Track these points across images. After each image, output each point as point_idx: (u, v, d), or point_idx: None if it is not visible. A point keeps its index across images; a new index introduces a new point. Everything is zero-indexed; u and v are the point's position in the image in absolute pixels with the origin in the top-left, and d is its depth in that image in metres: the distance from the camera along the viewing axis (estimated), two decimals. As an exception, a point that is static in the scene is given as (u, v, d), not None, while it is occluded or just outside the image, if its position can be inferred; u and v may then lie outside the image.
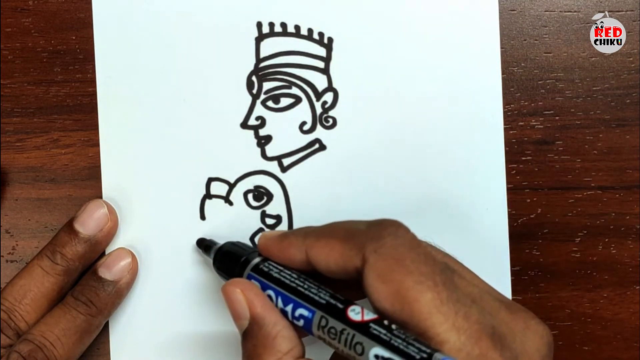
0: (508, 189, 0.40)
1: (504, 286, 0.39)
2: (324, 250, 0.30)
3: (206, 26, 0.39)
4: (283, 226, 0.39)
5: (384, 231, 0.29)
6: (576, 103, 0.40)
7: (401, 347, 0.26)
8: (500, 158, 0.39)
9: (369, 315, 0.28)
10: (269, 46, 0.39)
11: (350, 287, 0.31)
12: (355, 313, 0.28)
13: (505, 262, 0.39)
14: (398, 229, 0.30)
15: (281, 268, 0.32)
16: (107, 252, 0.38)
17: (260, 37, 0.39)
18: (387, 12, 0.39)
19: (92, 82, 0.39)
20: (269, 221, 0.39)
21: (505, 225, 0.39)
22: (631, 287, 0.40)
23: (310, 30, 0.39)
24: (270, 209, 0.39)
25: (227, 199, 0.39)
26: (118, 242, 0.39)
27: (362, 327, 0.28)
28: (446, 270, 0.29)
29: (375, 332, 0.27)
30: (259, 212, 0.39)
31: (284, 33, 0.39)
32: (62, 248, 0.36)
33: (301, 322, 0.30)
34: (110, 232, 0.38)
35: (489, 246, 0.39)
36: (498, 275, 0.39)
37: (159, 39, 0.39)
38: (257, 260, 0.33)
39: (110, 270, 0.37)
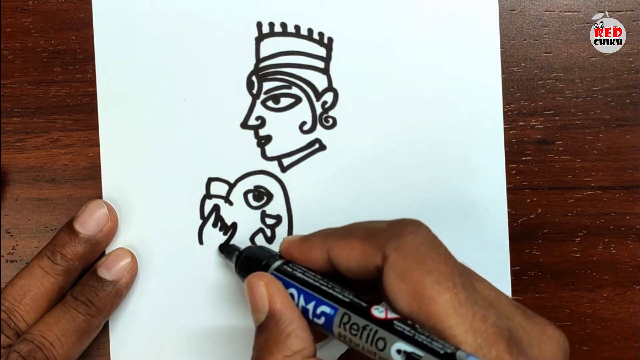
0: (508, 189, 0.39)
1: (504, 286, 0.39)
2: (344, 249, 0.30)
3: (206, 26, 0.39)
4: (283, 226, 0.39)
5: (405, 230, 0.29)
6: (576, 103, 0.40)
7: (424, 342, 0.26)
8: (500, 158, 0.39)
9: (393, 315, 0.28)
10: (269, 46, 0.39)
11: (371, 292, 0.31)
12: (379, 311, 0.28)
13: (505, 262, 0.39)
14: (419, 228, 0.30)
15: (305, 269, 0.32)
16: (107, 252, 0.38)
17: (260, 37, 0.39)
18: (387, 12, 0.39)
19: (92, 82, 0.39)
20: (269, 221, 0.39)
21: (505, 225, 0.39)
22: (631, 287, 0.40)
23: (310, 30, 0.39)
24: (270, 209, 0.39)
25: (227, 199, 0.39)
26: (118, 242, 0.39)
27: (385, 324, 0.28)
28: (465, 273, 0.29)
29: (398, 328, 0.27)
30: (259, 212, 0.39)
31: (284, 33, 0.39)
32: (62, 248, 0.36)
33: (322, 320, 0.30)
34: (110, 232, 0.38)
35: (489, 246, 0.39)
36: (498, 275, 0.39)
37: (159, 39, 0.39)
38: (279, 262, 0.33)
39: (109, 271, 0.37)
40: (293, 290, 0.31)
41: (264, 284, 0.31)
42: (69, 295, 0.36)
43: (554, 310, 0.40)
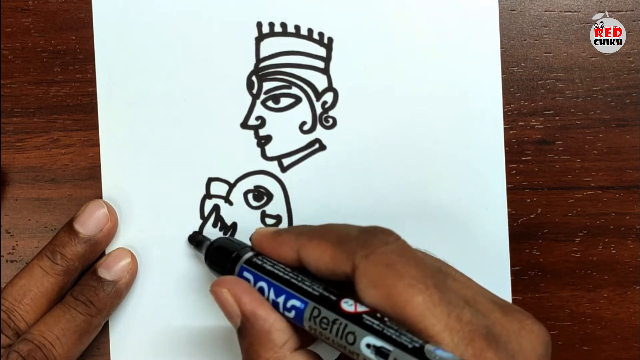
0: (508, 189, 0.39)
1: (504, 286, 0.39)
2: (315, 251, 0.30)
3: (206, 26, 0.39)
4: (283, 226, 0.39)
5: (375, 238, 0.29)
6: (576, 103, 0.40)
7: (393, 336, 0.27)
8: (500, 158, 0.39)
9: (362, 308, 0.28)
10: (269, 46, 0.39)
11: (341, 288, 0.31)
12: (349, 305, 0.29)
13: (505, 262, 0.39)
14: (389, 236, 0.30)
15: (275, 262, 0.32)
16: (107, 252, 0.38)
17: (260, 37, 0.39)
18: (387, 12, 0.39)
19: (92, 82, 0.39)
20: (269, 221, 0.39)
21: (505, 225, 0.39)
22: (631, 287, 0.40)
23: (310, 30, 0.39)
24: (270, 209, 0.39)
25: (227, 199, 0.39)
26: (118, 242, 0.39)
27: (354, 318, 0.28)
28: (438, 273, 0.29)
29: (367, 322, 0.28)
30: (259, 212, 0.39)
31: (284, 33, 0.39)
32: (62, 248, 0.36)
33: (292, 314, 0.30)
34: (110, 232, 0.38)
35: (489, 246, 0.39)
36: (498, 275, 0.39)
37: (159, 39, 0.39)
38: (250, 254, 0.33)
39: (109, 270, 0.37)
40: (263, 284, 0.31)
41: (227, 290, 0.31)
42: (69, 295, 0.36)
43: (554, 310, 0.40)
